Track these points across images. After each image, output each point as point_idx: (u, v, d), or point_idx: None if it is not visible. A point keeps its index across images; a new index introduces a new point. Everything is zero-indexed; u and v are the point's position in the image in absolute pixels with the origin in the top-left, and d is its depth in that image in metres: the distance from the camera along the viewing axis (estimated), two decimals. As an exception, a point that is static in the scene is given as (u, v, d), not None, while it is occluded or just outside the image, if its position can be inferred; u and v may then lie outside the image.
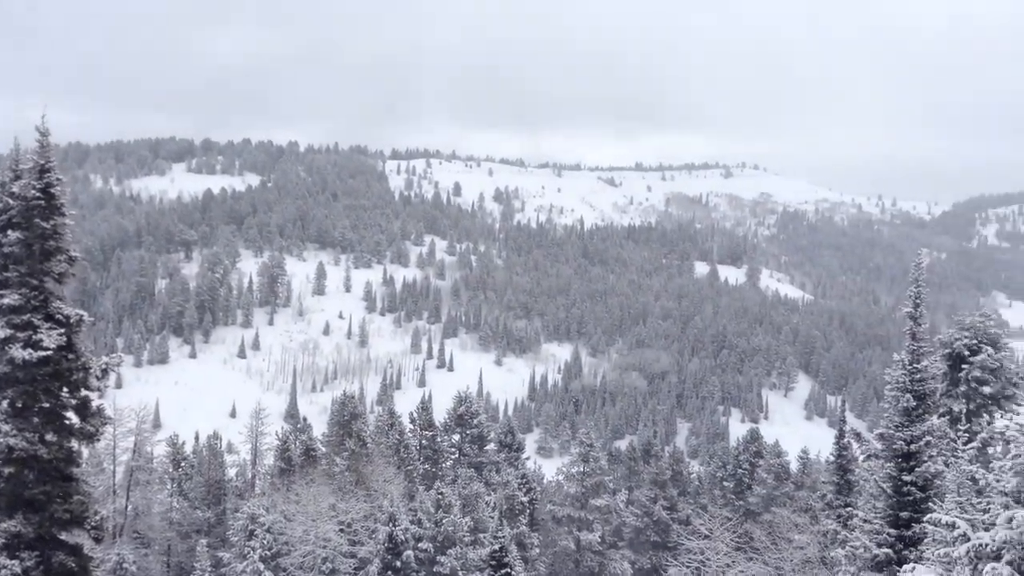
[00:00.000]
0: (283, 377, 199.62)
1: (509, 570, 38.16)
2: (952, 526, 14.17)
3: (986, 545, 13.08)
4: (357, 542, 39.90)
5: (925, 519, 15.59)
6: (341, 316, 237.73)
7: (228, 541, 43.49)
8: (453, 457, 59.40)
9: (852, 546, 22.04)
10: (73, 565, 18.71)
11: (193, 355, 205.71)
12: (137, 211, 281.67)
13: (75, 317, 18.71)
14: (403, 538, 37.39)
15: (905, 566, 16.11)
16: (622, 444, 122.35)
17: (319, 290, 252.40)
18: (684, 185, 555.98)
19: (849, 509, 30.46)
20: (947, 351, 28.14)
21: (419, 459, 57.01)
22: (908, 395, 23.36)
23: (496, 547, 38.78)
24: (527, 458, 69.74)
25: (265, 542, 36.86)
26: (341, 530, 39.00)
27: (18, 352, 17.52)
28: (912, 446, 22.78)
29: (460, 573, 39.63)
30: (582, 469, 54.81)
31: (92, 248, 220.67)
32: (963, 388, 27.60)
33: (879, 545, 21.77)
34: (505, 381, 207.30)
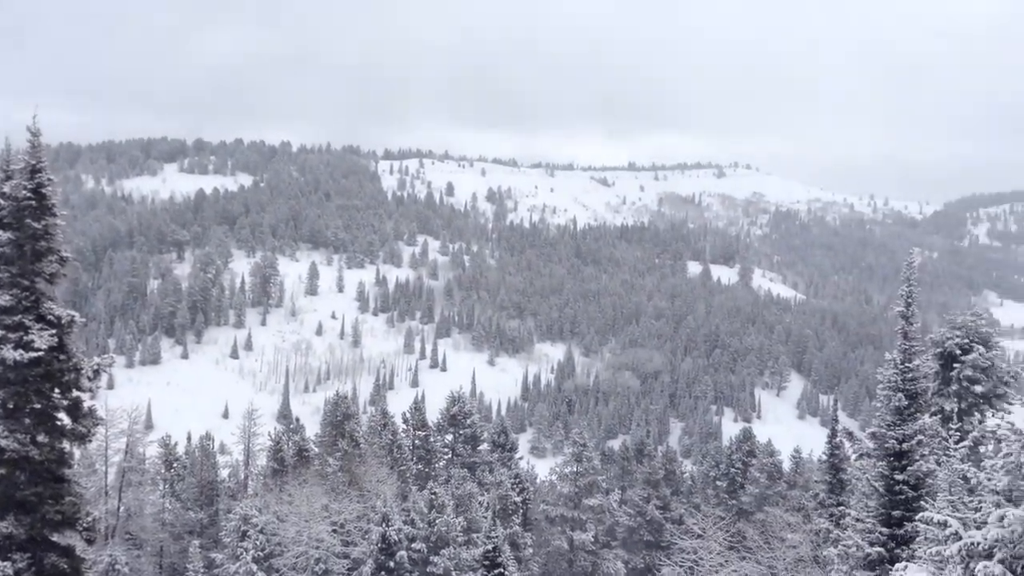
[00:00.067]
0: (276, 377, 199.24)
1: (502, 570, 38.19)
2: (944, 524, 14.22)
3: (978, 543, 13.13)
4: (350, 543, 39.84)
5: (917, 518, 15.64)
6: (334, 316, 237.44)
7: (221, 542, 43.41)
8: (446, 457, 59.36)
9: (845, 545, 22.09)
10: (65, 566, 18.66)
11: (185, 356, 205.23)
12: (129, 211, 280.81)
13: (66, 318, 18.65)
14: (396, 538, 37.35)
15: (897, 565, 16.15)
16: (615, 444, 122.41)
17: (312, 290, 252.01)
18: (677, 185, 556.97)
19: (841, 508, 30.54)
20: (939, 350, 28.25)
21: (412, 459, 56.98)
22: (900, 394, 23.43)
23: (489, 547, 38.81)
24: (520, 458, 69.80)
25: (258, 543, 36.78)
26: (334, 531, 38.93)
27: (9, 353, 17.46)
28: (904, 445, 22.85)
29: (454, 573, 39.59)
30: (575, 469, 54.82)
31: (84, 248, 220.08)
32: (955, 387, 27.72)
33: (871, 544, 21.82)
34: (498, 381, 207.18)
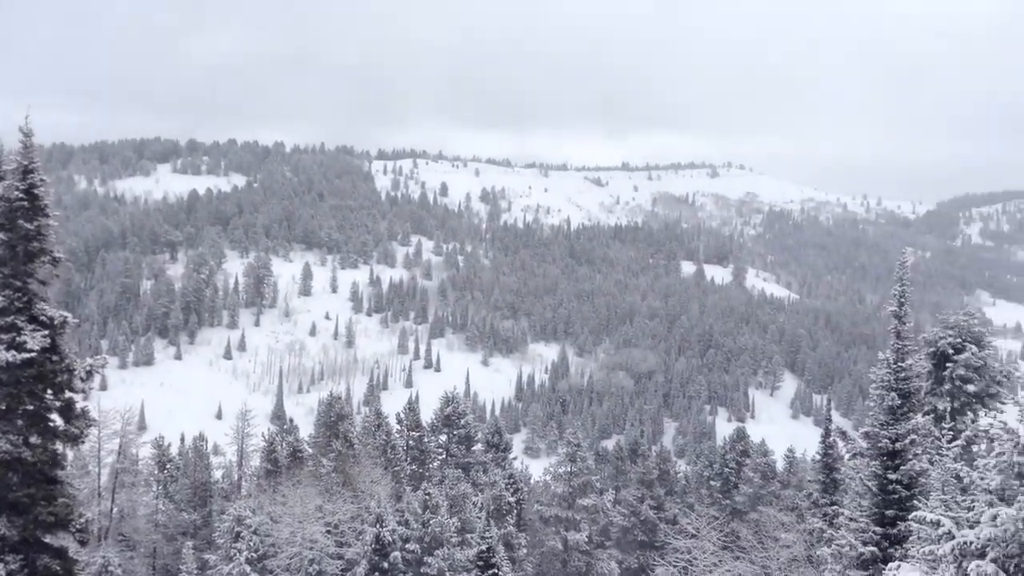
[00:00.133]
0: (269, 378, 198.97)
1: (496, 570, 38.18)
2: (937, 524, 14.24)
3: (971, 543, 13.15)
4: (344, 543, 39.81)
5: (910, 517, 15.66)
6: (327, 317, 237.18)
7: (214, 543, 43.33)
8: (440, 458, 59.38)
9: (838, 544, 22.12)
10: (58, 568, 18.60)
11: (178, 356, 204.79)
12: (122, 212, 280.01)
13: (59, 319, 18.60)
14: (390, 539, 37.33)
15: (891, 564, 16.19)
16: (609, 444, 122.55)
17: (305, 291, 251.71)
18: (670, 185, 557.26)
19: (835, 507, 30.57)
20: (932, 350, 28.32)
21: (406, 460, 56.99)
22: (893, 393, 23.48)
23: (483, 547, 38.78)
24: (514, 458, 69.79)
25: (251, 544, 36.74)
26: (328, 531, 38.91)
27: (1, 354, 17.39)
28: (897, 444, 22.89)
29: (447, 574, 39.60)
30: (569, 469, 54.84)
31: (76, 249, 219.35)
32: (947, 386, 27.78)
33: (865, 543, 21.86)
34: (492, 381, 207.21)
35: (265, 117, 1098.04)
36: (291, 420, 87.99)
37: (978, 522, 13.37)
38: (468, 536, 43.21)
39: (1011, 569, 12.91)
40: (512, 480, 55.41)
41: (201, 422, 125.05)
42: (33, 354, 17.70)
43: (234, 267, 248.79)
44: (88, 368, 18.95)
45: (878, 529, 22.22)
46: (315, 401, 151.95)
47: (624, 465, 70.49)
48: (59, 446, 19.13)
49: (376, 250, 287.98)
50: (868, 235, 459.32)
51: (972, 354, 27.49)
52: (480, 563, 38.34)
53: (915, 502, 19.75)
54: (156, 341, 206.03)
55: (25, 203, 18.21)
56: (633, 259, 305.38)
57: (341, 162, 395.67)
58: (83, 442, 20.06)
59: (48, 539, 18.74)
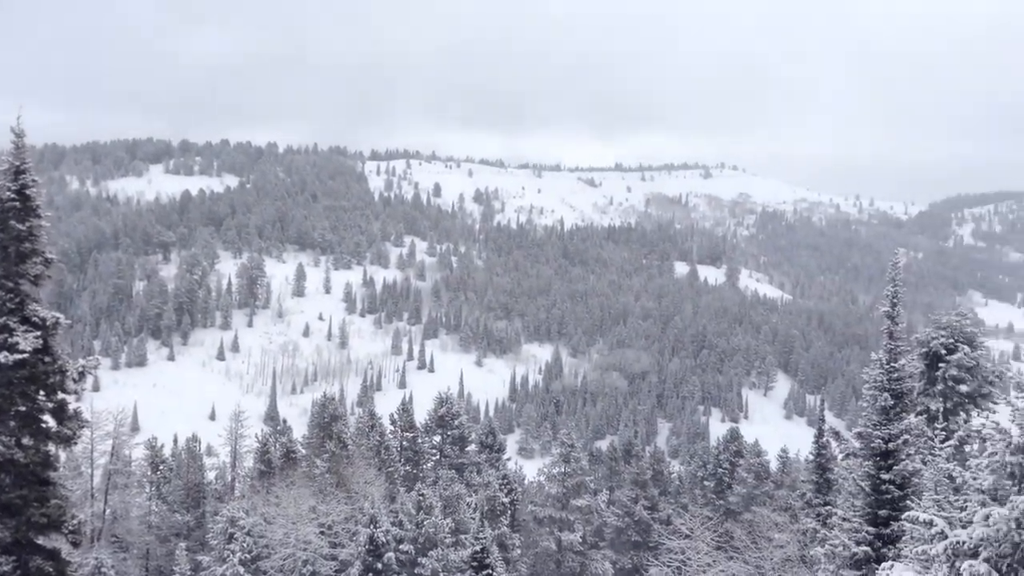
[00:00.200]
0: (263, 379, 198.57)
1: (490, 571, 38.17)
2: (930, 524, 14.27)
3: (963, 543, 13.18)
4: (338, 544, 39.75)
5: (903, 517, 15.69)
6: (321, 318, 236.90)
7: (207, 544, 43.23)
8: (434, 458, 59.34)
9: (831, 544, 22.17)
10: (50, 570, 18.54)
11: (171, 357, 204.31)
12: (114, 212, 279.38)
13: (51, 320, 18.53)
14: (384, 540, 37.27)
15: (884, 564, 16.21)
16: (603, 444, 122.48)
17: (299, 291, 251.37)
18: (664, 185, 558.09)
19: (828, 507, 30.65)
20: (924, 350, 28.39)
21: (400, 460, 56.94)
22: (886, 394, 23.53)
23: (477, 548, 38.77)
24: (508, 459, 69.75)
25: (245, 545, 36.65)
26: (321, 532, 38.85)
27: (-7, 355, 17.34)
28: (890, 444, 22.95)
29: (442, 574, 39.55)
30: (563, 469, 54.81)
31: (68, 250, 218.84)
32: (940, 387, 27.86)
33: (858, 543, 21.90)
34: (486, 382, 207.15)
35: (258, 118, 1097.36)
36: (284, 421, 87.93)
37: (971, 522, 13.40)
38: (462, 537, 43.19)
39: (1004, 569, 12.94)
40: (506, 481, 55.36)
41: (194, 423, 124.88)
42: (25, 355, 17.64)
43: (227, 268, 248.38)
44: (81, 369, 18.89)
45: (871, 529, 22.26)
46: (308, 402, 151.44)
47: (618, 466, 70.55)
48: (52, 447, 19.06)
49: (369, 251, 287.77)
50: (861, 236, 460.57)
51: (964, 354, 27.57)
52: (474, 564, 38.33)
53: (908, 502, 19.79)
54: (149, 342, 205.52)
55: (17, 204, 18.15)
56: (626, 260, 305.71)
57: (334, 163, 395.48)
58: (76, 443, 19.99)
59: (41, 541, 18.68)
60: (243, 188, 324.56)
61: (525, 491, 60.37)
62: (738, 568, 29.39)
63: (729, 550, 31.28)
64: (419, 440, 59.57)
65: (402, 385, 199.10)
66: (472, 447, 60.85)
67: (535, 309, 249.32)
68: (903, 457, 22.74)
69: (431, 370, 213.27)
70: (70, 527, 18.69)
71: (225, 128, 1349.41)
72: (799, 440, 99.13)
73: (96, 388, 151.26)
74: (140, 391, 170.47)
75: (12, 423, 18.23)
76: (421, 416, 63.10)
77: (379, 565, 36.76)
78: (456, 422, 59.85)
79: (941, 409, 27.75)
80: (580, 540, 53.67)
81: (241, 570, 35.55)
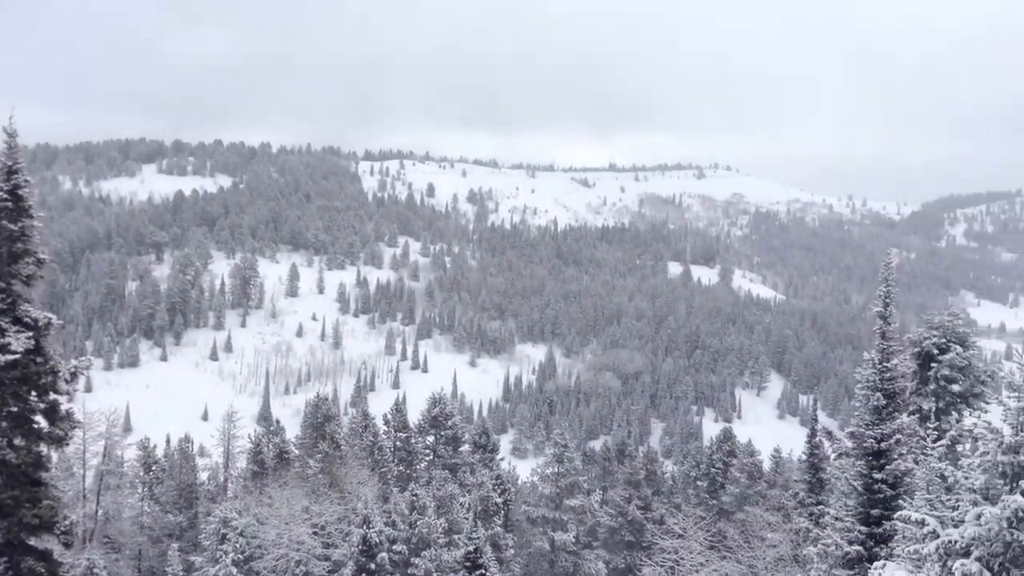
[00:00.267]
0: (256, 379, 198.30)
1: (484, 571, 38.15)
2: (922, 523, 14.32)
3: (955, 542, 13.23)
4: (331, 545, 39.71)
5: (895, 516, 15.73)
6: (314, 318, 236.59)
7: (200, 545, 43.15)
8: (427, 459, 59.29)
9: (824, 544, 22.20)
10: (43, 571, 18.49)
11: (164, 358, 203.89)
12: (107, 213, 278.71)
13: (43, 320, 18.48)
14: (377, 540, 37.25)
15: (876, 563, 16.26)
16: (596, 444, 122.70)
17: (292, 292, 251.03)
18: (657, 186, 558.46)
19: (821, 507, 30.70)
20: (916, 350, 28.47)
21: (393, 461, 56.87)
22: (878, 394, 23.59)
23: (471, 548, 38.75)
24: (502, 459, 69.76)
25: (238, 546, 36.61)
26: (314, 533, 38.80)
27: (-15, 356, 17.28)
28: (882, 444, 23.00)
29: (435, 575, 39.55)
30: (556, 470, 54.84)
31: (61, 250, 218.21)
32: (932, 386, 27.93)
33: (850, 542, 21.95)
34: (479, 382, 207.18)
35: (251, 118, 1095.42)
36: (278, 421, 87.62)
37: (963, 521, 13.45)
38: (455, 537, 43.17)
39: (995, 567, 12.99)
40: (499, 481, 55.36)
41: (187, 424, 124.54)
42: (17, 356, 17.59)
43: (220, 268, 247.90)
44: (73, 370, 18.84)
45: (864, 528, 22.31)
46: (302, 402, 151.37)
47: (611, 466, 70.58)
48: (44, 448, 19.01)
49: (363, 251, 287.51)
50: (853, 236, 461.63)
51: (957, 354, 27.64)
52: (467, 564, 38.31)
53: (900, 501, 19.85)
54: (141, 342, 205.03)
55: (9, 204, 18.10)
56: (620, 260, 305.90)
57: (328, 163, 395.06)
58: (68, 444, 19.94)
59: (33, 541, 18.63)
60: (236, 188, 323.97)
61: (518, 491, 60.40)
62: (731, 568, 29.43)
63: (722, 550, 31.31)
64: (412, 440, 59.52)
65: (396, 385, 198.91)
66: (466, 447, 60.82)
67: (529, 309, 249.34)
68: (895, 456, 22.80)
69: (425, 370, 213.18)
70: (62, 528, 18.64)
71: (218, 128, 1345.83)
72: (792, 440, 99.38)
73: (88, 389, 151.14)
74: (133, 391, 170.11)
75: (4, 424, 18.18)
76: (415, 416, 63.02)
77: (372, 565, 36.75)
78: (450, 422, 59.82)
79: (933, 409, 27.84)
80: (573, 540, 53.70)
81: (234, 571, 35.50)
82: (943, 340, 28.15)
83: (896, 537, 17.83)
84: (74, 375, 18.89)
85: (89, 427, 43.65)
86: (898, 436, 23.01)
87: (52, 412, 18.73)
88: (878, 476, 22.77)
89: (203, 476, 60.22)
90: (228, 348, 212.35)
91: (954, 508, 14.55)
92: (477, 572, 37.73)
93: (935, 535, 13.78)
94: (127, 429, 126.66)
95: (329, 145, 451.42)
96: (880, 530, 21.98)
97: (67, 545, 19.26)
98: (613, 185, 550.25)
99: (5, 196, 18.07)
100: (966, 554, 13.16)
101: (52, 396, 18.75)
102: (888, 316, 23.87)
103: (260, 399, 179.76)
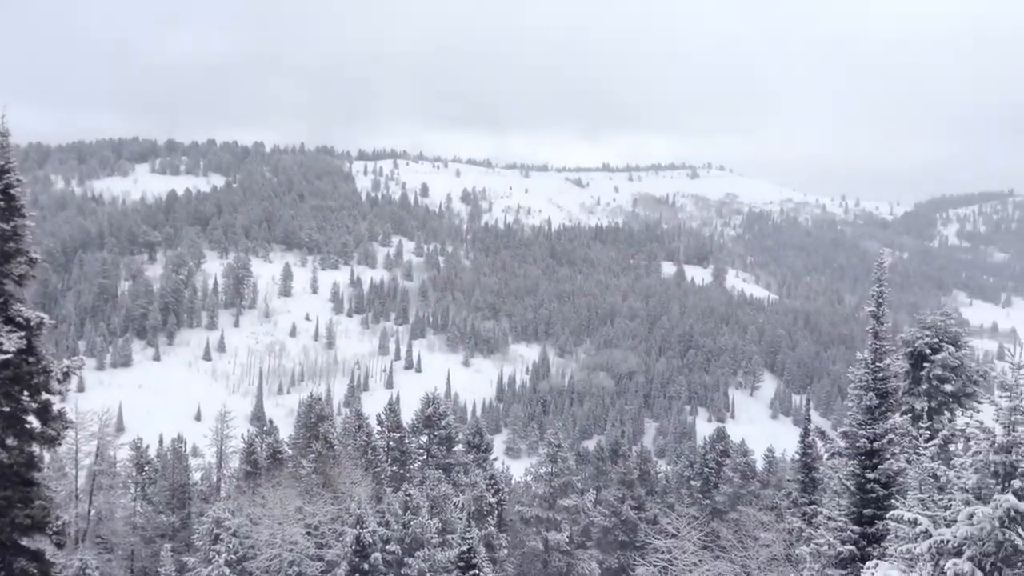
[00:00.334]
0: (249, 379, 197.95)
1: (477, 571, 38.17)
2: (914, 523, 14.35)
3: (948, 541, 13.26)
4: (324, 545, 39.66)
5: (888, 516, 15.76)
6: (308, 318, 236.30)
7: (193, 545, 43.08)
8: (421, 458, 59.27)
9: (817, 543, 22.25)
10: (35, 571, 18.43)
11: (157, 358, 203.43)
12: (99, 212, 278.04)
13: (36, 320, 18.42)
14: (370, 540, 37.21)
15: (869, 562, 16.29)
16: (590, 444, 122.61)
17: (285, 291, 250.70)
18: (651, 186, 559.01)
19: (814, 507, 30.75)
20: (909, 350, 28.51)
21: (387, 461, 56.85)
22: (871, 393, 23.63)
23: (464, 548, 38.77)
24: (495, 459, 69.78)
25: (231, 546, 36.52)
26: (308, 533, 38.75)
27: (-23, 356, 17.22)
28: (875, 444, 23.05)
29: (428, 575, 39.52)
30: (550, 469, 54.89)
31: (53, 250, 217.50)
32: (925, 386, 27.99)
33: (843, 542, 22.00)
34: (473, 382, 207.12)
35: (245, 117, 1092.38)
36: (271, 421, 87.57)
37: (955, 521, 13.49)
38: (449, 537, 43.16)
39: (987, 567, 13.03)
40: (493, 481, 55.35)
41: (180, 424, 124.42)
42: (9, 356, 17.53)
43: (213, 268, 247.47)
44: (65, 369, 18.79)
45: (856, 528, 22.36)
46: (295, 402, 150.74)
47: (605, 465, 70.62)
48: (36, 448, 18.95)
49: (357, 251, 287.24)
50: (846, 236, 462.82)
51: (949, 354, 27.71)
52: (461, 564, 38.32)
53: (893, 501, 19.90)
54: (134, 342, 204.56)
55: (1, 203, 18.04)
56: (614, 260, 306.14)
57: (321, 163, 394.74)
58: (60, 444, 19.87)
59: (25, 542, 18.57)
60: (230, 188, 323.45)
61: (512, 491, 60.39)
62: (724, 567, 29.46)
63: (715, 549, 31.34)
64: (406, 440, 59.49)
65: (389, 385, 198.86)
66: (459, 447, 60.83)
67: (522, 309, 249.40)
68: (888, 456, 22.85)
69: (418, 370, 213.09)
70: (54, 528, 18.59)
71: (211, 128, 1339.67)
72: (785, 439, 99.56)
73: (81, 388, 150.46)
74: (125, 391, 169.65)
75: (-4, 424, 18.12)
76: (408, 416, 63.01)
77: (366, 565, 36.70)
78: (443, 422, 59.81)
79: (926, 408, 27.90)
80: (567, 540, 53.75)
81: (227, 571, 35.43)
82: (935, 340, 28.21)
83: (889, 537, 17.85)
84: (66, 375, 18.83)
85: (82, 427, 43.54)
86: (891, 436, 23.07)
87: (44, 412, 18.67)
88: (871, 476, 22.82)
89: (196, 476, 60.18)
90: (221, 348, 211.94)
91: (946, 508, 14.59)
92: (471, 572, 37.74)
93: (927, 535, 13.82)
94: (120, 429, 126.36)
95: (323, 145, 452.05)
96: (873, 530, 22.03)
97: (59, 545, 19.21)
98: (607, 185, 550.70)
99: (-3, 195, 18.01)
100: (958, 553, 13.20)
101: (44, 396, 18.69)
102: (881, 316, 23.92)
103: (253, 399, 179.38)
